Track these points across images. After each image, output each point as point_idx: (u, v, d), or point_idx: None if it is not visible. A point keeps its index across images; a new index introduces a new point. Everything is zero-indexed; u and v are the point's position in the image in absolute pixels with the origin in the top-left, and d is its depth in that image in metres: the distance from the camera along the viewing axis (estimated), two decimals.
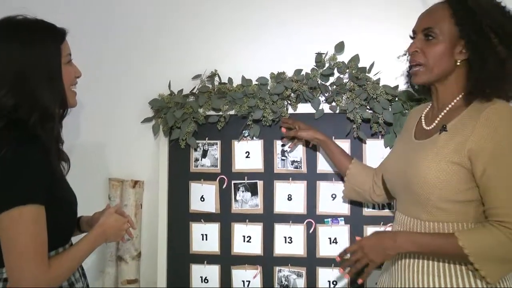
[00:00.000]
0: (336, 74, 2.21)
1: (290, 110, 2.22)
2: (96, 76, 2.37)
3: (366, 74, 2.16)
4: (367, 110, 2.12)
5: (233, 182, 2.26)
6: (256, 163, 2.28)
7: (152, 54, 2.42)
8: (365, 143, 2.17)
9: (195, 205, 2.30)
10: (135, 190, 2.35)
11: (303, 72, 2.21)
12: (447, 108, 1.49)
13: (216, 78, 2.33)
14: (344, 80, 2.18)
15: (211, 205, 2.29)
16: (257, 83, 2.25)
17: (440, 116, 1.50)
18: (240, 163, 2.26)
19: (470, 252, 1.30)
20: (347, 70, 2.18)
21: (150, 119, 2.37)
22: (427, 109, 1.63)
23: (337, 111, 2.17)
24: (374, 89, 2.08)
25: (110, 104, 2.44)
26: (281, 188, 2.23)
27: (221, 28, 2.36)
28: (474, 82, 1.39)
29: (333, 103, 2.17)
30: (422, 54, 1.45)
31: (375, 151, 2.16)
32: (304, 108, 2.21)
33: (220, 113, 2.26)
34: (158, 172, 2.35)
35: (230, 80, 2.30)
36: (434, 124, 1.51)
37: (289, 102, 2.21)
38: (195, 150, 2.34)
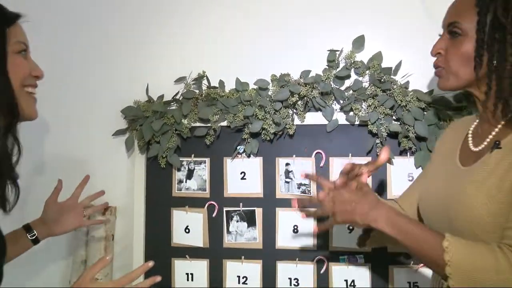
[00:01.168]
0: (354, 77, 1.78)
1: (296, 121, 1.78)
2: (57, 79, 1.93)
3: (392, 76, 1.72)
4: (394, 122, 1.68)
5: (225, 209, 1.87)
6: (253, 186, 1.85)
7: (127, 52, 1.99)
8: (392, 163, 1.72)
9: (179, 238, 1.92)
10: (105, 218, 1.91)
11: (312, 74, 1.77)
12: (502, 122, 1.14)
13: (204, 81, 1.89)
14: (364, 84, 1.75)
15: (198, 238, 1.90)
16: (255, 87, 1.81)
17: (494, 132, 1.16)
18: (234, 186, 1.86)
19: (450, 261, 1.01)
20: (368, 72, 1.74)
21: (123, 132, 1.93)
22: (475, 123, 1.27)
23: (356, 123, 1.73)
24: (402, 95, 1.65)
25: (74, 113, 2.01)
26: (285, 217, 1.84)
27: (210, 21, 1.93)
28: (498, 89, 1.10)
29: (351, 113, 1.73)
30: (444, 56, 1.19)
31: (403, 173, 1.73)
32: (314, 118, 1.79)
33: (209, 124, 1.83)
34: (133, 197, 1.92)
35: (221, 83, 1.86)
36: (485, 142, 1.17)
37: (295, 111, 1.77)
38: (179, 170, 1.90)
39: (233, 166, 1.88)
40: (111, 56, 1.99)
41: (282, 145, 1.82)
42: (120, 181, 1.97)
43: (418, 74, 1.73)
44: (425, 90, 1.70)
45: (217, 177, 1.89)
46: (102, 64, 1.99)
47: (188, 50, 1.94)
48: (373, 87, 1.72)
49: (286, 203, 1.83)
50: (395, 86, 1.69)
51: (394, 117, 1.70)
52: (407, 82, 1.72)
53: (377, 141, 1.71)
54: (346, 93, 1.75)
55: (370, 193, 1.20)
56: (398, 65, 1.73)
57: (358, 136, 1.77)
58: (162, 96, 1.92)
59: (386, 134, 1.68)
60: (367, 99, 1.71)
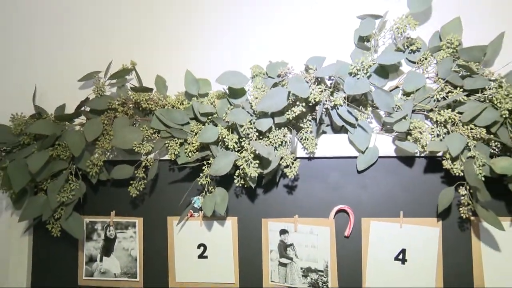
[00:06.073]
0: (407, 68, 0.94)
1: (301, 152, 0.93)
2: None
3: (482, 66, 0.89)
4: (497, 154, 0.85)
5: None
6: (222, 271, 1.00)
7: (4, 35, 1.14)
8: (503, 229, 0.88)
9: None
10: None
11: (329, 61, 0.92)
12: None
13: (132, 81, 1.03)
14: (429, 81, 0.91)
15: None
16: (222, 88, 0.96)
17: None
18: (186, 270, 1.05)
19: None
20: (435, 57, 0.90)
21: None
22: None
23: (417, 154, 0.89)
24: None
25: None
26: None
27: None
28: None
29: (409, 137, 0.89)
30: None
31: (508, 250, 0.90)
32: (333, 146, 0.93)
33: (140, 158, 0.97)
34: (8, 284, 1.06)
35: (160, 82, 1.01)
36: None
37: (296, 133, 0.92)
38: (88, 240, 1.04)
39: (184, 234, 1.02)
40: None
41: (273, 198, 0.98)
42: None
43: None
44: None
45: (156, 252, 1.03)
46: None
47: (108, 28, 1.09)
48: (446, 86, 0.88)
49: None
50: (493, 84, 0.85)
51: (495, 145, 0.86)
52: None
53: (463, 191, 0.86)
54: (395, 99, 0.90)
55: None
56: (497, 43, 0.89)
57: (419, 180, 0.93)
58: (62, 107, 1.07)
59: (483, 178, 0.83)
60: (439, 110, 0.87)
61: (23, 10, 1.15)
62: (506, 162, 0.80)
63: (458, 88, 0.88)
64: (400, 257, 0.94)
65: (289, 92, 0.86)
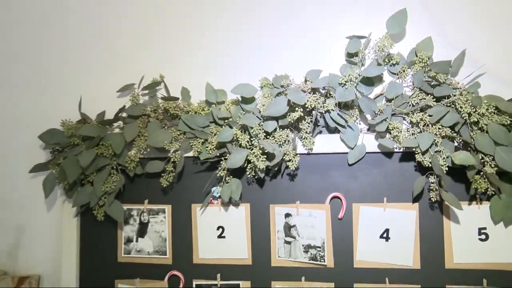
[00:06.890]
0: (388, 78, 1.14)
1: (301, 149, 1.13)
2: None
3: (450, 77, 1.08)
4: (460, 149, 1.04)
5: (195, 283, 1.26)
6: (237, 248, 1.21)
7: (53, 53, 1.37)
8: (460, 208, 1.07)
9: None
10: None
11: (324, 74, 1.13)
12: None
13: (162, 91, 1.25)
14: (405, 89, 1.10)
15: None
16: (236, 97, 1.17)
17: None
18: (207, 248, 1.25)
19: None
20: (411, 69, 1.10)
21: (42, 167, 1.28)
22: None
23: (396, 150, 1.08)
24: (471, 105, 1.01)
25: None
26: None
27: (168, 8, 1.30)
28: None
29: (387, 135, 1.08)
30: None
31: (471, 228, 1.08)
32: (328, 144, 1.14)
33: (169, 155, 1.18)
34: (61, 262, 1.28)
35: (185, 92, 1.22)
36: None
37: (297, 133, 1.13)
38: (126, 223, 1.25)
39: (205, 218, 1.23)
40: (31, 57, 1.37)
41: (279, 187, 1.18)
42: (44, 240, 1.35)
43: (495, 71, 1.09)
44: (507, 96, 1.05)
45: (182, 234, 1.25)
46: (17, 73, 1.37)
47: (140, 46, 1.31)
48: (421, 93, 1.08)
49: (286, 273, 1.18)
50: (457, 91, 1.05)
51: (458, 141, 1.05)
52: (477, 84, 1.07)
53: (432, 179, 1.05)
54: (378, 104, 1.10)
55: None
56: (460, 58, 1.09)
57: (399, 171, 1.12)
58: (102, 114, 1.29)
59: (447, 169, 1.02)
60: (413, 113, 1.06)
61: (69, 34, 1.38)
62: (463, 155, 0.99)
63: (429, 95, 1.07)
64: (385, 235, 1.13)
65: (289, 100, 1.06)
